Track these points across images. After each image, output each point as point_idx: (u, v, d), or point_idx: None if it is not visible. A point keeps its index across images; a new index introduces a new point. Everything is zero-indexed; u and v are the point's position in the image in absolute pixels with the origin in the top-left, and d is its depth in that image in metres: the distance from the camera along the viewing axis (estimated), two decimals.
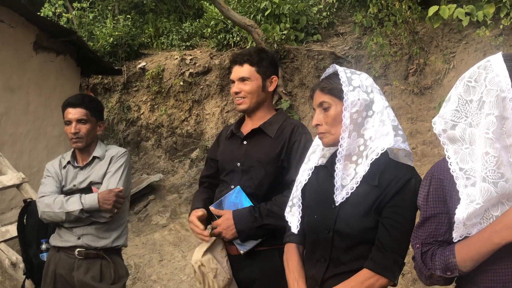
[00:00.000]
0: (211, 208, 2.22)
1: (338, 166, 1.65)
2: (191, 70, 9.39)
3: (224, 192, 2.27)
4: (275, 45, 7.99)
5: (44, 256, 2.77)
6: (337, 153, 1.65)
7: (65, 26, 9.81)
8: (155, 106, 9.82)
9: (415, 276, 4.08)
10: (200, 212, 2.20)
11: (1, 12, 5.84)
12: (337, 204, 1.65)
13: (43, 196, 2.56)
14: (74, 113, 2.62)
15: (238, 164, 2.27)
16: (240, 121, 2.45)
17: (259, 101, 2.31)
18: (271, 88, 2.36)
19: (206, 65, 9.30)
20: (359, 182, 1.62)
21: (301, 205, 1.82)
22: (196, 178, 7.99)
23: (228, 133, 2.43)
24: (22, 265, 3.02)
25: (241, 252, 2.14)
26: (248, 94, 2.28)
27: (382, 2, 6.75)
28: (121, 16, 11.12)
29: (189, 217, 2.28)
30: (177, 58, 9.69)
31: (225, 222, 2.13)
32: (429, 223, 1.49)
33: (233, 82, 2.32)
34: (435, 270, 1.44)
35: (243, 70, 2.28)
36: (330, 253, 1.67)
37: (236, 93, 2.29)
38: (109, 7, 12.16)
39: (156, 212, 7.27)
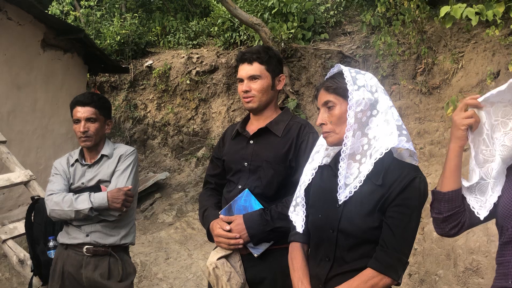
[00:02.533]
0: (221, 216, 2.20)
1: (342, 165, 1.64)
2: (197, 69, 9.40)
3: (232, 193, 2.25)
4: (282, 44, 7.97)
5: (52, 253, 2.77)
6: (341, 152, 1.65)
7: (72, 24, 9.84)
8: (162, 105, 9.84)
9: (422, 277, 4.07)
10: (228, 227, 2.13)
11: (9, 10, 5.87)
12: (340, 203, 1.65)
13: (52, 194, 2.57)
14: (83, 111, 2.61)
15: (245, 164, 2.25)
16: (245, 120, 2.43)
17: (268, 99, 2.30)
18: (279, 87, 2.34)
19: (213, 63, 9.31)
20: (362, 181, 1.62)
21: (305, 204, 1.82)
22: (202, 177, 8.00)
23: (233, 132, 2.41)
24: (29, 262, 3.03)
25: (255, 255, 2.14)
26: (258, 93, 2.25)
27: (390, 1, 6.72)
28: (128, 15, 11.15)
29: (208, 227, 2.24)
30: (183, 57, 9.70)
31: (237, 227, 2.11)
32: None
33: (241, 80, 2.29)
34: (432, 212, 1.67)
35: (253, 68, 2.25)
36: (334, 252, 1.67)
37: (246, 91, 2.26)
38: (116, 6, 12.21)
39: (162, 210, 7.29)
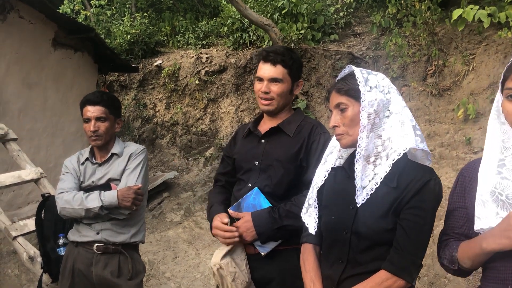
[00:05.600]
0: (230, 211, 2.19)
1: (357, 167, 1.62)
2: (207, 69, 9.41)
3: (242, 191, 2.25)
4: (292, 45, 7.95)
5: (61, 251, 2.78)
6: (356, 154, 1.63)
7: (83, 23, 9.89)
8: (171, 104, 9.85)
9: (431, 279, 4.04)
10: (226, 219, 2.13)
11: (21, 9, 5.91)
12: (358, 206, 1.63)
13: (62, 192, 2.58)
14: (93, 111, 2.62)
15: (256, 162, 2.25)
16: (258, 120, 2.42)
17: (285, 103, 2.28)
18: (296, 91, 2.33)
19: (222, 63, 9.31)
20: (378, 183, 1.60)
21: (317, 206, 1.81)
22: (210, 177, 8.01)
23: (245, 131, 2.41)
24: (39, 259, 3.04)
25: (262, 254, 2.13)
26: (277, 96, 2.22)
27: (401, 2, 6.69)
28: (138, 14, 11.18)
29: (211, 221, 2.24)
30: (193, 57, 9.71)
31: (245, 225, 2.10)
32: (451, 216, 1.65)
33: (260, 79, 2.25)
34: (443, 259, 1.62)
35: (276, 71, 2.21)
36: (347, 254, 1.66)
37: (265, 92, 2.23)
38: (126, 5, 12.25)
39: (170, 210, 7.30)
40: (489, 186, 1.48)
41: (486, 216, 1.48)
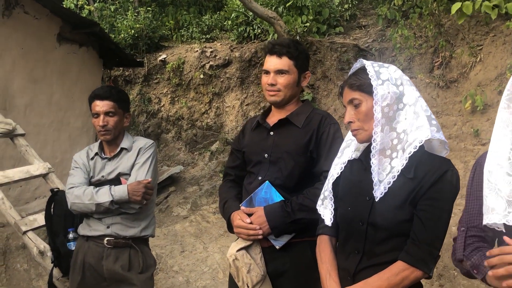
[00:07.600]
0: (242, 207, 2.19)
1: (374, 161, 1.63)
2: (211, 63, 9.39)
3: (253, 185, 2.24)
4: (298, 37, 7.91)
5: (71, 245, 2.79)
6: (372, 148, 1.63)
7: (87, 18, 9.87)
8: (176, 99, 9.85)
9: (441, 271, 4.03)
10: (249, 220, 2.13)
11: (26, 4, 5.91)
12: (377, 200, 1.63)
13: (73, 187, 2.58)
14: (102, 105, 2.62)
15: (266, 155, 2.24)
16: (266, 112, 2.41)
17: (292, 95, 2.28)
18: (304, 83, 2.33)
19: (227, 57, 9.28)
20: (396, 177, 1.60)
21: (332, 197, 1.81)
22: (216, 171, 8.01)
23: (253, 124, 2.40)
24: (49, 253, 3.05)
25: (277, 247, 2.13)
26: (284, 88, 2.23)
27: None
28: (141, 9, 11.15)
29: (228, 218, 2.24)
30: (197, 51, 9.69)
31: (258, 220, 2.10)
32: (471, 206, 1.61)
33: (267, 72, 2.26)
34: (468, 260, 1.54)
35: (282, 62, 2.22)
36: (363, 245, 1.66)
37: (272, 84, 2.23)
38: (130, 0, 12.21)
39: (176, 204, 7.31)
40: (505, 181, 1.43)
41: (490, 210, 1.43)
